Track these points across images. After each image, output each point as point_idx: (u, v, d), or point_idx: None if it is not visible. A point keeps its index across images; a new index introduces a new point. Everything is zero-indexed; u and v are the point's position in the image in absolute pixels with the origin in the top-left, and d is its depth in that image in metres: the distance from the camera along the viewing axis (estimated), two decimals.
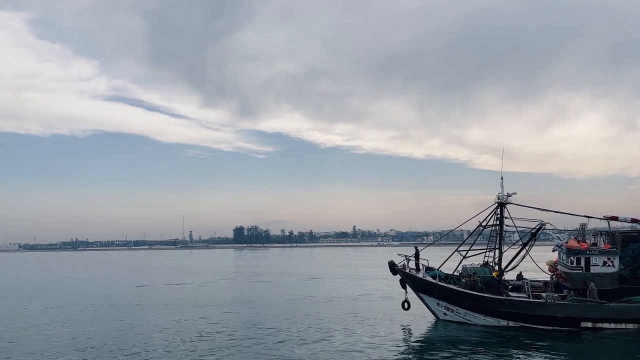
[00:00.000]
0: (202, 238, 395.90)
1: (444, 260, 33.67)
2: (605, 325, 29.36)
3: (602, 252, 30.58)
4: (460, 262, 33.45)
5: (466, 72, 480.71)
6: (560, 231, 34.51)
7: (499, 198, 33.01)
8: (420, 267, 34.61)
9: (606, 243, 32.63)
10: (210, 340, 28.64)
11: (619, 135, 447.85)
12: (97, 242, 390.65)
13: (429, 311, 33.80)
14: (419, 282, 33.11)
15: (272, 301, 45.73)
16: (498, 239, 32.95)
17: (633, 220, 32.06)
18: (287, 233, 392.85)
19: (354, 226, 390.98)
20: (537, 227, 31.53)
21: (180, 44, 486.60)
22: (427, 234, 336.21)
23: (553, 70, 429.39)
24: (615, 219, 32.28)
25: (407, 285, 33.95)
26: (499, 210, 32.94)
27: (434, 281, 32.45)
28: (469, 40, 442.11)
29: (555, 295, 30.96)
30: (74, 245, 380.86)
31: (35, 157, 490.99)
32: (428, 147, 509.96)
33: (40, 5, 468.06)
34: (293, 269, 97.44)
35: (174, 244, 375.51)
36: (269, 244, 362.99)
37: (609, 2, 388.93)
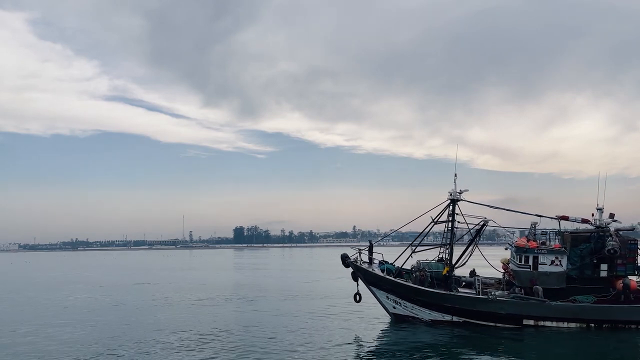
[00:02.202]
0: (202, 238, 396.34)
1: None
2: (547, 323, 29.61)
3: (550, 252, 30.71)
4: (408, 257, 33.76)
5: (467, 72, 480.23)
6: (505, 228, 34.54)
7: (451, 195, 33.21)
8: (374, 261, 34.88)
9: (557, 243, 32.65)
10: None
11: (620, 135, 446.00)
12: (97, 242, 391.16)
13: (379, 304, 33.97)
14: (369, 275, 33.41)
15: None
16: (449, 235, 33.21)
17: (583, 220, 32.03)
18: (287, 233, 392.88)
19: (354, 226, 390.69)
20: (481, 225, 31.75)
21: (182, 44, 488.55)
22: (427, 234, 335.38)
23: (554, 71, 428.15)
24: (565, 218, 32.34)
25: (359, 278, 34.16)
26: (451, 207, 33.15)
27: (382, 274, 32.75)
28: (470, 41, 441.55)
29: (498, 292, 31.15)
30: (74, 245, 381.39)
31: (35, 157, 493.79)
32: (428, 147, 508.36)
33: (41, 5, 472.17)
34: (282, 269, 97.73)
35: (174, 244, 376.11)
36: (269, 244, 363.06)
37: (610, 2, 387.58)
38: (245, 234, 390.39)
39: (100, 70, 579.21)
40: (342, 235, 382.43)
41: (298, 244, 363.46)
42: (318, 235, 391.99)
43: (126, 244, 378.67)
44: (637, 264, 30.79)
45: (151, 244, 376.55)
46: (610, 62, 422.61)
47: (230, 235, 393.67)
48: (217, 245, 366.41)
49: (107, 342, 27.55)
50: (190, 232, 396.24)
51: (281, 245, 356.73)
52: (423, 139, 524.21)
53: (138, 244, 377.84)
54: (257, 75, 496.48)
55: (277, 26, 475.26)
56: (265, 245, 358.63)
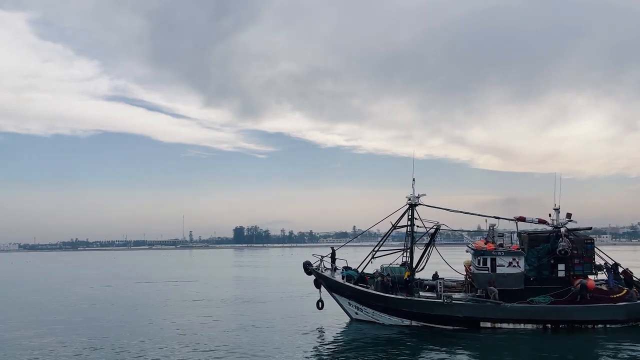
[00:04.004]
0: (202, 238, 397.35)
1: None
2: (504, 325, 29.61)
3: (507, 253, 30.69)
4: (368, 262, 33.80)
5: (467, 72, 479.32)
6: (454, 230, 34.72)
7: (409, 199, 33.33)
8: (337, 267, 34.99)
9: (515, 244, 32.69)
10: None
11: (620, 135, 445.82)
12: (97, 242, 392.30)
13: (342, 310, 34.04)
14: (330, 282, 33.53)
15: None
16: (409, 239, 33.35)
17: (540, 221, 32.09)
18: (287, 233, 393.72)
19: (354, 226, 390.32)
20: (435, 228, 31.89)
21: (183, 44, 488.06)
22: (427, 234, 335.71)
23: (555, 70, 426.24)
24: (522, 219, 32.40)
25: (322, 285, 34.27)
26: (410, 211, 33.27)
27: (342, 281, 32.85)
28: (470, 40, 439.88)
29: (461, 295, 31.30)
30: (74, 245, 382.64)
31: (36, 157, 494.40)
32: (429, 147, 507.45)
33: (42, 5, 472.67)
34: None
35: (174, 244, 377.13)
36: (269, 244, 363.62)
37: (610, 2, 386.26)
38: (245, 234, 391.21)
39: (101, 70, 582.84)
40: (342, 235, 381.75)
41: (298, 244, 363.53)
42: (318, 235, 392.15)
43: (126, 244, 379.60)
44: (595, 263, 30.83)
45: (151, 244, 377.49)
46: (611, 62, 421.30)
47: (230, 235, 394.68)
48: (217, 245, 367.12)
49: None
50: (190, 232, 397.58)
51: (281, 245, 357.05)
52: (423, 139, 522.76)
53: (138, 244, 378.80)
54: (257, 75, 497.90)
55: (277, 26, 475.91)
56: (265, 245, 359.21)
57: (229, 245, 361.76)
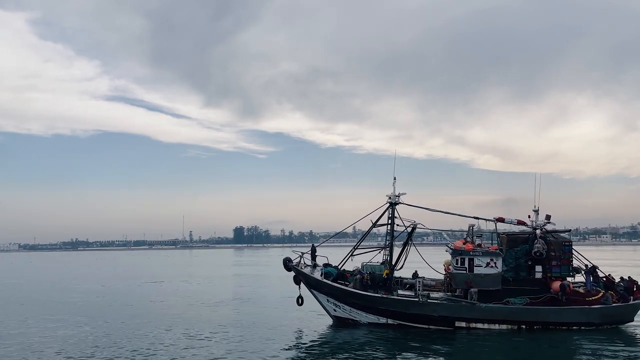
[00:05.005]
0: (202, 238, 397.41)
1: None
2: (479, 325, 29.68)
3: (485, 254, 30.69)
4: (346, 259, 34.06)
5: (468, 72, 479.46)
6: (434, 230, 34.70)
7: (390, 198, 33.39)
8: (317, 264, 35.17)
9: (494, 244, 32.73)
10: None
11: (620, 135, 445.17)
12: (97, 242, 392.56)
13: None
14: (309, 279, 33.69)
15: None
16: (389, 238, 33.46)
17: (519, 222, 32.08)
18: (287, 233, 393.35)
19: (354, 226, 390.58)
20: (412, 228, 31.94)
21: (183, 44, 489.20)
22: (427, 234, 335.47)
23: (555, 70, 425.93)
24: (502, 220, 32.35)
25: (301, 282, 34.38)
26: (390, 210, 33.33)
27: (319, 278, 32.96)
28: (470, 40, 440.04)
29: (441, 294, 31.36)
30: (74, 245, 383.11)
31: (36, 157, 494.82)
32: (429, 147, 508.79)
33: (42, 5, 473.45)
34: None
35: (174, 244, 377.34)
36: (269, 244, 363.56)
37: (610, 2, 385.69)
38: (245, 234, 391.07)
39: (101, 70, 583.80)
40: (342, 235, 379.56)
41: (298, 244, 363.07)
42: (318, 235, 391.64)
43: (126, 244, 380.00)
44: (572, 265, 30.82)
45: (151, 244, 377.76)
46: (611, 62, 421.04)
47: (230, 235, 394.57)
48: (217, 246, 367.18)
49: None
50: (190, 232, 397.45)
51: (281, 245, 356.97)
52: (423, 139, 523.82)
53: (138, 244, 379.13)
54: (258, 75, 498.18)
55: (277, 26, 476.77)
56: (265, 245, 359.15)
57: (229, 245, 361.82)
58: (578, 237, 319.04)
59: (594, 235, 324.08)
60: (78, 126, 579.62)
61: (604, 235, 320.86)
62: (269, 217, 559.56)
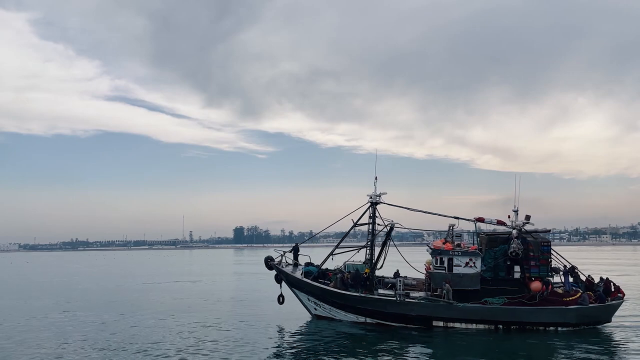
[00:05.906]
0: (202, 238, 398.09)
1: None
2: (457, 324, 29.78)
3: (464, 253, 30.78)
4: (326, 258, 34.32)
5: (468, 72, 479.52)
6: (411, 230, 34.81)
7: (371, 198, 33.52)
8: (299, 263, 35.51)
9: (474, 244, 32.81)
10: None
11: (621, 135, 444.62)
12: (97, 242, 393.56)
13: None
14: (290, 278, 33.93)
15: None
16: (370, 237, 33.58)
17: (499, 222, 32.13)
18: (287, 233, 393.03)
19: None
20: (390, 227, 32.05)
21: (184, 45, 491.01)
22: (407, 235, 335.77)
23: (556, 71, 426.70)
24: (481, 220, 32.43)
25: (282, 281, 34.58)
26: (371, 209, 33.46)
27: (300, 277, 33.17)
28: (472, 41, 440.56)
29: (421, 294, 31.51)
30: (74, 245, 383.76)
31: (37, 157, 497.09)
32: (429, 147, 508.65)
33: (43, 5, 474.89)
34: None
35: (174, 244, 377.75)
36: (269, 244, 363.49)
37: (612, 2, 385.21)
38: (245, 234, 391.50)
39: (102, 70, 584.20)
40: (342, 235, 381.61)
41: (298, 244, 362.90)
42: (318, 236, 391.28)
43: (126, 244, 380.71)
44: (551, 265, 30.87)
45: (151, 244, 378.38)
46: (612, 62, 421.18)
47: (230, 235, 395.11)
48: (217, 246, 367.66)
49: None
50: (190, 232, 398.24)
51: (281, 245, 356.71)
52: (424, 139, 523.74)
53: (138, 244, 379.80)
54: (258, 75, 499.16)
55: (279, 26, 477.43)
56: (265, 245, 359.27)
57: (229, 245, 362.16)
58: (578, 237, 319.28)
59: (594, 235, 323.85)
60: (78, 126, 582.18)
61: (604, 235, 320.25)
62: (269, 217, 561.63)
